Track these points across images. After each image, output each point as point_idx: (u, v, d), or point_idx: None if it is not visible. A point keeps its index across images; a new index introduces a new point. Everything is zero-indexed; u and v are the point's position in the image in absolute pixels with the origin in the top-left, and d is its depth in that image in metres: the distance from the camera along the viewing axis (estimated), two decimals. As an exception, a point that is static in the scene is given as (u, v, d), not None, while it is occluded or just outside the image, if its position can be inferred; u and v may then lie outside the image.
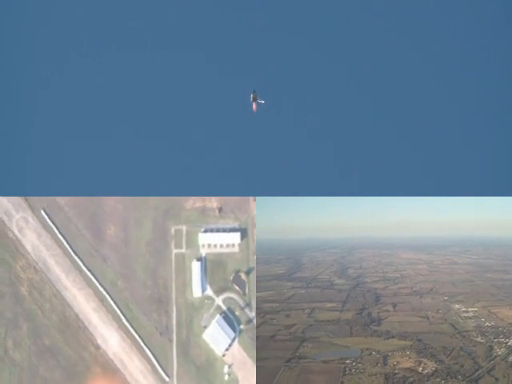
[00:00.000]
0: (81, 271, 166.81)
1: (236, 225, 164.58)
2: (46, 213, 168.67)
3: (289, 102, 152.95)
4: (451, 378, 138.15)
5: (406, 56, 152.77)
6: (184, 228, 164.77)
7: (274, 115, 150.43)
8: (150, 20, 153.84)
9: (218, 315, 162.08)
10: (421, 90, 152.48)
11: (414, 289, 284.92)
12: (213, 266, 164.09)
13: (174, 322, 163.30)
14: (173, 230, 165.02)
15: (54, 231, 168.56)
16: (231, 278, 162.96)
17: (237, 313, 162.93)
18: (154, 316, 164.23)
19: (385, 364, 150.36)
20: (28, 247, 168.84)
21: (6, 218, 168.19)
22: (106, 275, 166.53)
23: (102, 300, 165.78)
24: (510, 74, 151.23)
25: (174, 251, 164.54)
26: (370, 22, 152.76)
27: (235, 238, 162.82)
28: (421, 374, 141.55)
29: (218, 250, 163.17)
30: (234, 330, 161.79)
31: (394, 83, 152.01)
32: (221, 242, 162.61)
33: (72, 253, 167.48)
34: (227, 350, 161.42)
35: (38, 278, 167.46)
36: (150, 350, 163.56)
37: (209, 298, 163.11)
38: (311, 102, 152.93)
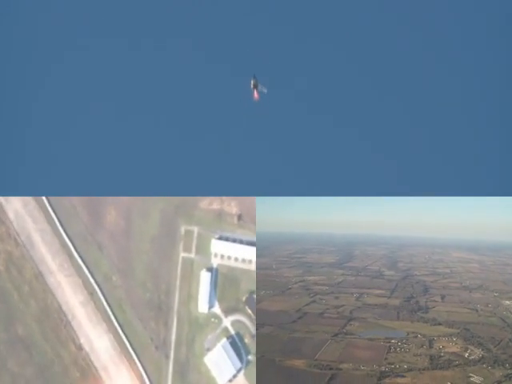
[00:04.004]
0: (70, 256, 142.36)
1: (255, 239, 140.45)
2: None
3: (290, 101, 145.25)
4: (498, 365, 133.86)
5: (405, 56, 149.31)
6: (196, 230, 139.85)
7: (275, 114, 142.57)
8: (143, 14, 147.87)
9: (224, 339, 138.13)
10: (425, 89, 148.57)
11: (463, 284, 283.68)
12: (224, 281, 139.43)
13: (174, 336, 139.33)
14: (183, 230, 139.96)
15: (43, 202, 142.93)
16: (244, 298, 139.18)
17: (246, 340, 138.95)
18: (151, 324, 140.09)
19: (430, 347, 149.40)
20: (10, 214, 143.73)
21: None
22: (99, 266, 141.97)
23: (92, 294, 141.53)
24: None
25: (182, 254, 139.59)
26: (375, 19, 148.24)
27: (253, 253, 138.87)
28: (467, 359, 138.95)
29: (233, 263, 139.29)
30: (241, 360, 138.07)
31: (396, 84, 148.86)
32: (236, 254, 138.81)
33: (63, 232, 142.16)
34: (230, 381, 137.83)
35: (18, 252, 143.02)
36: (142, 365, 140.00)
37: (216, 316, 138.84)
38: (312, 102, 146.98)
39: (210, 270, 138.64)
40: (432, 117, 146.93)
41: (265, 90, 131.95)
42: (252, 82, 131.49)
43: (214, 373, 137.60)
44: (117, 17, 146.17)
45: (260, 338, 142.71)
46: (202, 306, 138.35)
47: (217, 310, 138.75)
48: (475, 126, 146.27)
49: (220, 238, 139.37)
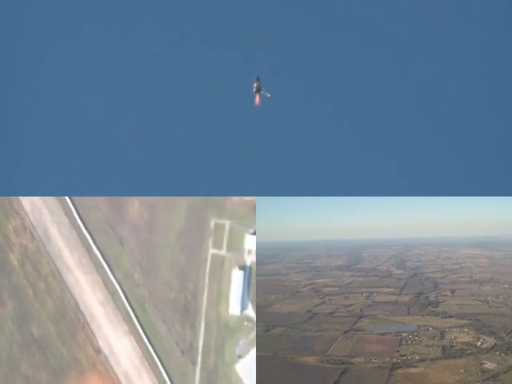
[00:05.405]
0: (89, 250, 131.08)
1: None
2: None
3: (290, 101, 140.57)
4: (511, 352, 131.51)
5: (406, 56, 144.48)
6: (227, 224, 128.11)
7: (275, 114, 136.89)
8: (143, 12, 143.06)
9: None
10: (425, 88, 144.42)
11: (473, 278, 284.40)
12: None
13: (201, 341, 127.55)
14: (212, 224, 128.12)
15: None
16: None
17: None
18: (177, 327, 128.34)
19: (442, 338, 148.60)
20: (26, 206, 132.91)
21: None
22: (120, 262, 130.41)
23: (112, 292, 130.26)
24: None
25: (211, 251, 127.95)
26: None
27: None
28: (479, 347, 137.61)
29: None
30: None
31: (397, 84, 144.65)
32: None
33: (81, 224, 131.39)
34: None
35: (33, 247, 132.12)
36: (166, 371, 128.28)
37: (249, 319, 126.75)
38: (313, 101, 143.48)
39: (242, 268, 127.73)
40: (433, 117, 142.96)
41: (268, 95, 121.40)
42: (255, 86, 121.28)
43: (247, 382, 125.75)
44: (113, 13, 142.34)
45: (272, 337, 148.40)
46: (234, 308, 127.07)
47: (250, 312, 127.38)
48: (477, 126, 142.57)
49: (254, 233, 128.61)
